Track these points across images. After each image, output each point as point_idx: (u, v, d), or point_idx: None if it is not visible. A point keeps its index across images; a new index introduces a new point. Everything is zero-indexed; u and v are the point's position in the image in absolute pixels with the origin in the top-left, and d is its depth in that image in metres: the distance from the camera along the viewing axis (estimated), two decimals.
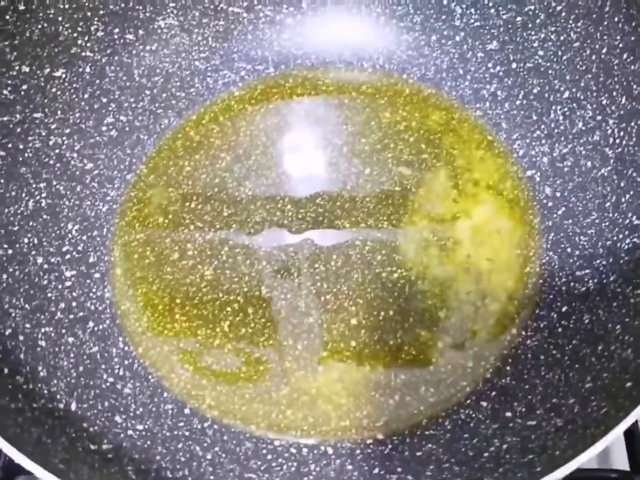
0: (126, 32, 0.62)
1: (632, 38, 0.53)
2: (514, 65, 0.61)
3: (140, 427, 0.50)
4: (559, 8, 0.57)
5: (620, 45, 0.54)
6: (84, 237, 0.58)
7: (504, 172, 0.60)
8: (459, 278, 0.55)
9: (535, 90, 0.60)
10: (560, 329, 0.52)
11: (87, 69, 0.60)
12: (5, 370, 0.47)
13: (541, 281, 0.55)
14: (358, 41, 0.66)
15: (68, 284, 0.55)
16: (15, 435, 0.41)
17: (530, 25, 0.59)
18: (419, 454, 0.49)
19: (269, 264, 0.56)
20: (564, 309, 0.53)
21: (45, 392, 0.48)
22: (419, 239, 0.57)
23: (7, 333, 0.49)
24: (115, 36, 0.62)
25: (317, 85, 0.65)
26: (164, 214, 0.59)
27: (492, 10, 0.61)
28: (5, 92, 0.55)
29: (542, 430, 0.45)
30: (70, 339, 0.53)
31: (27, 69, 0.56)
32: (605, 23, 0.55)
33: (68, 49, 0.59)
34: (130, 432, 0.49)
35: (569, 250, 0.55)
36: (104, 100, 0.61)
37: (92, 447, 0.46)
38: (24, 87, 0.56)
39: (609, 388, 0.45)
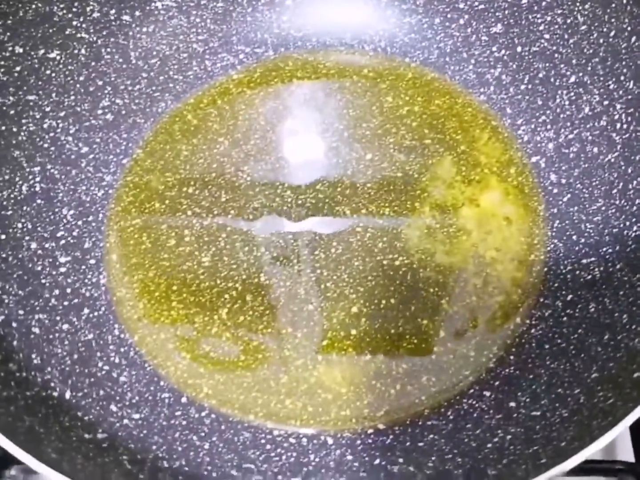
0: (122, 13, 0.61)
1: None
2: (519, 49, 0.60)
3: (136, 416, 0.49)
4: None
5: (629, 28, 0.53)
6: (79, 223, 0.56)
7: (508, 158, 0.58)
8: (462, 266, 0.54)
9: (540, 75, 0.59)
10: (565, 318, 0.51)
11: (83, 51, 0.59)
12: None
13: (546, 269, 0.54)
14: (359, 23, 0.64)
15: (62, 270, 0.54)
16: (8, 424, 0.40)
17: (535, 8, 0.58)
18: (420, 444, 0.48)
19: (267, 251, 0.55)
20: (569, 297, 0.52)
21: (39, 380, 0.47)
22: (422, 226, 0.56)
23: (0, 320, 0.48)
24: (112, 17, 0.60)
25: (318, 69, 0.64)
26: (161, 199, 0.58)
27: None
28: None
29: (546, 421, 0.45)
30: (65, 326, 0.52)
31: (21, 50, 0.55)
32: (613, 5, 0.53)
33: (63, 29, 0.57)
34: (125, 421, 0.48)
35: (574, 237, 0.54)
36: (100, 82, 0.60)
37: (86, 436, 0.45)
38: (18, 68, 0.55)
39: (615, 378, 0.44)
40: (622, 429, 0.37)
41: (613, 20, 0.53)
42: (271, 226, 0.56)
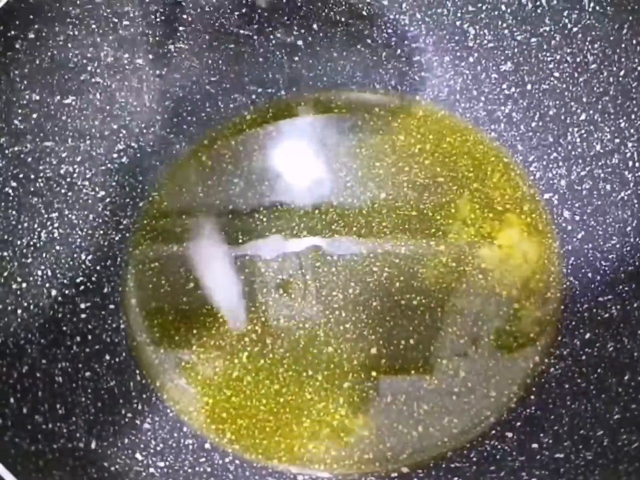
0: (136, 57, 0.61)
1: None
2: (529, 86, 0.60)
3: (161, 464, 0.49)
4: (575, 30, 0.56)
5: (639, 68, 0.53)
6: (98, 268, 0.57)
7: (521, 195, 0.59)
8: (480, 306, 0.54)
9: (551, 112, 0.59)
10: (584, 357, 0.51)
11: (97, 95, 0.59)
12: (24, 410, 0.46)
13: (562, 307, 0.55)
14: (369, 63, 0.65)
15: (83, 316, 0.54)
16: None
17: (545, 47, 0.59)
18: None
19: (286, 293, 0.56)
20: (587, 336, 0.52)
21: (65, 431, 0.47)
22: (439, 265, 0.56)
23: (24, 371, 0.48)
24: (125, 61, 0.60)
25: (329, 108, 0.64)
26: (178, 241, 0.59)
27: (506, 31, 0.60)
28: (15, 121, 0.54)
29: (571, 463, 0.45)
30: (87, 374, 0.52)
31: (38, 97, 0.55)
32: (623, 45, 0.54)
33: (78, 75, 0.58)
34: (151, 469, 0.48)
35: (590, 275, 0.55)
36: (115, 126, 0.60)
37: None
38: (34, 115, 0.55)
39: (638, 420, 0.44)
40: None
41: (623, 59, 0.54)
42: (289, 269, 0.57)
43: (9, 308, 0.50)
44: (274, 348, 0.54)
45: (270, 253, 0.57)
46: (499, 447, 0.49)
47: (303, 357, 0.53)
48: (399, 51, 0.65)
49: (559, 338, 0.53)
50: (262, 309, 0.55)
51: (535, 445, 0.48)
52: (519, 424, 0.50)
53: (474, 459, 0.49)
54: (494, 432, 0.50)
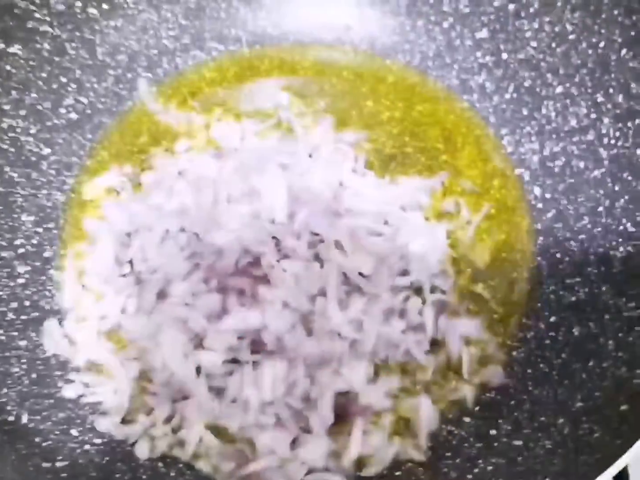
0: (89, 6, 0.57)
1: (632, 33, 0.50)
2: (504, 55, 0.57)
3: (98, 440, 0.46)
4: None
5: (619, 40, 0.51)
6: (39, 230, 0.53)
7: (491, 170, 0.57)
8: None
9: (526, 84, 0.57)
10: (548, 341, 0.49)
11: (46, 45, 0.55)
12: None
13: (529, 288, 0.52)
14: (339, 23, 0.62)
15: (21, 281, 0.51)
16: None
17: (523, 14, 0.56)
18: (398, 473, 0.46)
19: None
20: (552, 318, 0.50)
21: None
22: None
23: None
24: (77, 10, 0.56)
25: (295, 69, 0.61)
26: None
27: None
28: None
29: (530, 451, 0.43)
30: (23, 343, 0.49)
31: None
32: (604, 16, 0.51)
33: (24, 22, 0.54)
34: (87, 446, 0.46)
35: (558, 255, 0.52)
36: (64, 79, 0.57)
37: (44, 465, 0.42)
38: None
39: (601, 410, 0.42)
40: (615, 471, 0.35)
41: (603, 30, 0.52)
42: None
43: None
44: None
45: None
46: (456, 432, 0.47)
47: None
48: (370, 13, 0.61)
49: (524, 320, 0.51)
50: None
51: (493, 432, 0.46)
52: (477, 408, 0.48)
53: (429, 444, 0.47)
54: (450, 416, 0.48)
